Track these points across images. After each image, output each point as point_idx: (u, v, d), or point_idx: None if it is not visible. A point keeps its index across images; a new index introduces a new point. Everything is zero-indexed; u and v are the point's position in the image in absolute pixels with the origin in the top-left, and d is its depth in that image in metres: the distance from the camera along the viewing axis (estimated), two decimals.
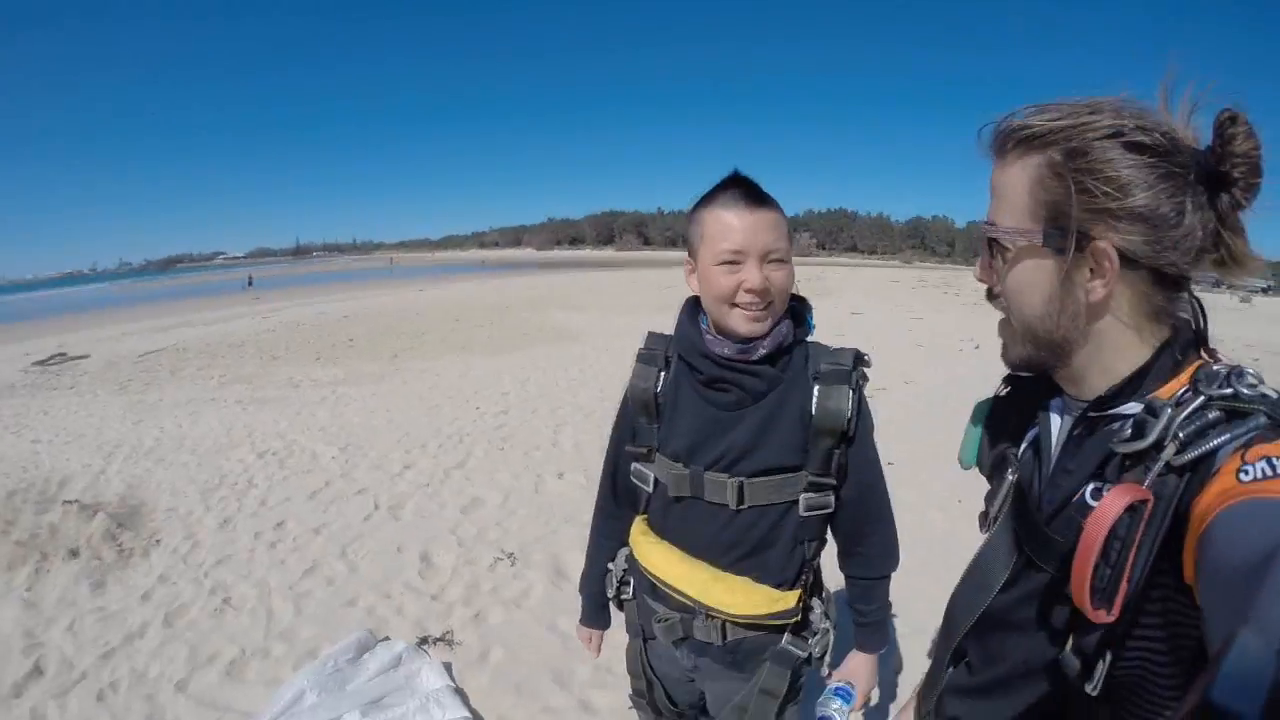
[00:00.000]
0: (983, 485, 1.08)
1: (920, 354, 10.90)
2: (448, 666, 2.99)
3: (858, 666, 1.57)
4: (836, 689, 1.51)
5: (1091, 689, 0.80)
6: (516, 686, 2.97)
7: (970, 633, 1.03)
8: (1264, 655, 0.38)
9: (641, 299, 22.40)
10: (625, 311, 18.17)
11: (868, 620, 1.57)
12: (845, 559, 1.56)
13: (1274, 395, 0.74)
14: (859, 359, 1.42)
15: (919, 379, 8.81)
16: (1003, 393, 1.08)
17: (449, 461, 5.88)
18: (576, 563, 3.97)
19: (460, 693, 2.82)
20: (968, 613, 1.00)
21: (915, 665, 2.99)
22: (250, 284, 46.38)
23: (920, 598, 2.97)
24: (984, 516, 1.04)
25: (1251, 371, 0.77)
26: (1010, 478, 0.97)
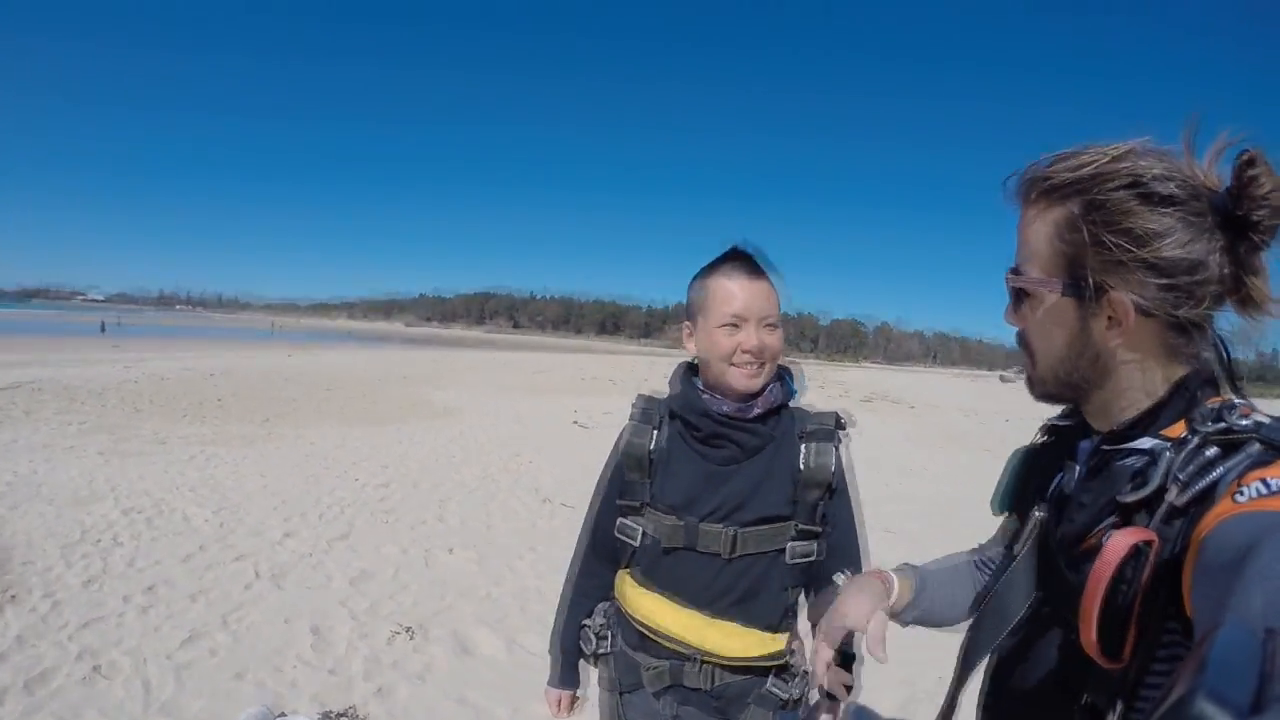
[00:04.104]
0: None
1: None
2: None
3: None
4: None
5: None
6: None
7: (983, 686, 1.03)
8: (1248, 644, 0.38)
9: (514, 381, 22.24)
10: (498, 392, 17.85)
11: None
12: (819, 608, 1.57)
13: (1267, 420, 0.74)
14: (839, 422, 1.52)
15: None
16: (1039, 441, 1.07)
17: (331, 532, 5.58)
18: (480, 637, 3.98)
19: None
20: (983, 643, 0.98)
21: None
22: (104, 330, 43.72)
23: None
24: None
25: (1241, 402, 0.77)
26: (1036, 515, 0.96)
